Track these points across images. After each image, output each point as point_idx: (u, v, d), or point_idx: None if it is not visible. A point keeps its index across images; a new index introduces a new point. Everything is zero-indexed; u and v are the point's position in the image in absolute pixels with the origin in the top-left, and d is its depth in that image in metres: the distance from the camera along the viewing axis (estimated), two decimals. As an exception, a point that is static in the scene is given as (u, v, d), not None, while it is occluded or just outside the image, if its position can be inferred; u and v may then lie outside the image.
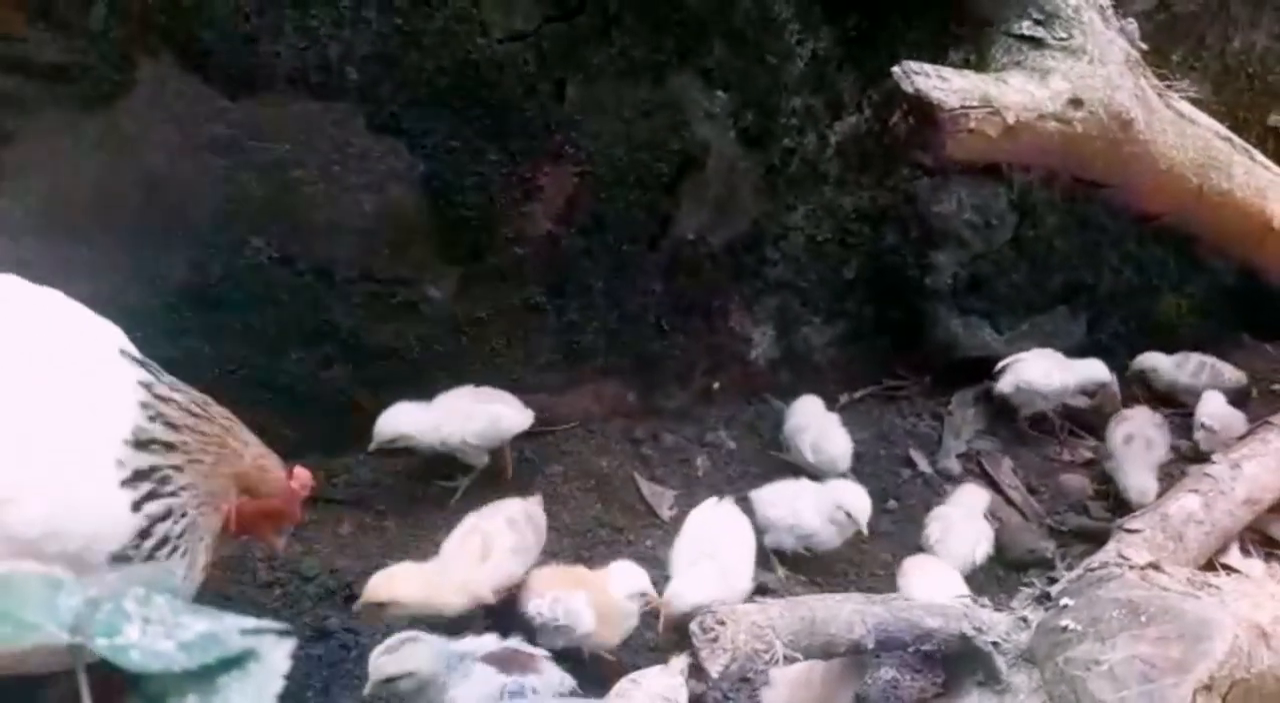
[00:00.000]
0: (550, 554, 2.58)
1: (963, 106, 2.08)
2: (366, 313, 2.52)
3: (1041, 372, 3.21)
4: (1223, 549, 2.79)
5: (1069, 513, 3.12)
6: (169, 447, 1.62)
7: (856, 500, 2.61)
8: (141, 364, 1.72)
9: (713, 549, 2.32)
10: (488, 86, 2.40)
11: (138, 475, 1.57)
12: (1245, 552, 2.92)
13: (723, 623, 1.66)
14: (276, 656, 0.68)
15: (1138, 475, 2.97)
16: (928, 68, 2.10)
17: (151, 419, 1.62)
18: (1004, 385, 3.20)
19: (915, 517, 2.94)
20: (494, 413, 2.56)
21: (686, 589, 2.19)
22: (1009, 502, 3.17)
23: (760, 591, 2.38)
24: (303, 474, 1.89)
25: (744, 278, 2.93)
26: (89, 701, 0.69)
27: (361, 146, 2.36)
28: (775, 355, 3.09)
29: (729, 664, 1.69)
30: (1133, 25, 2.47)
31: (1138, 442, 3.06)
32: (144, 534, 1.56)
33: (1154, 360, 3.40)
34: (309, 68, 2.25)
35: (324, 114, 2.30)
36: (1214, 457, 2.91)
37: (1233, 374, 3.40)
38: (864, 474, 3.00)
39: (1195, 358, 3.39)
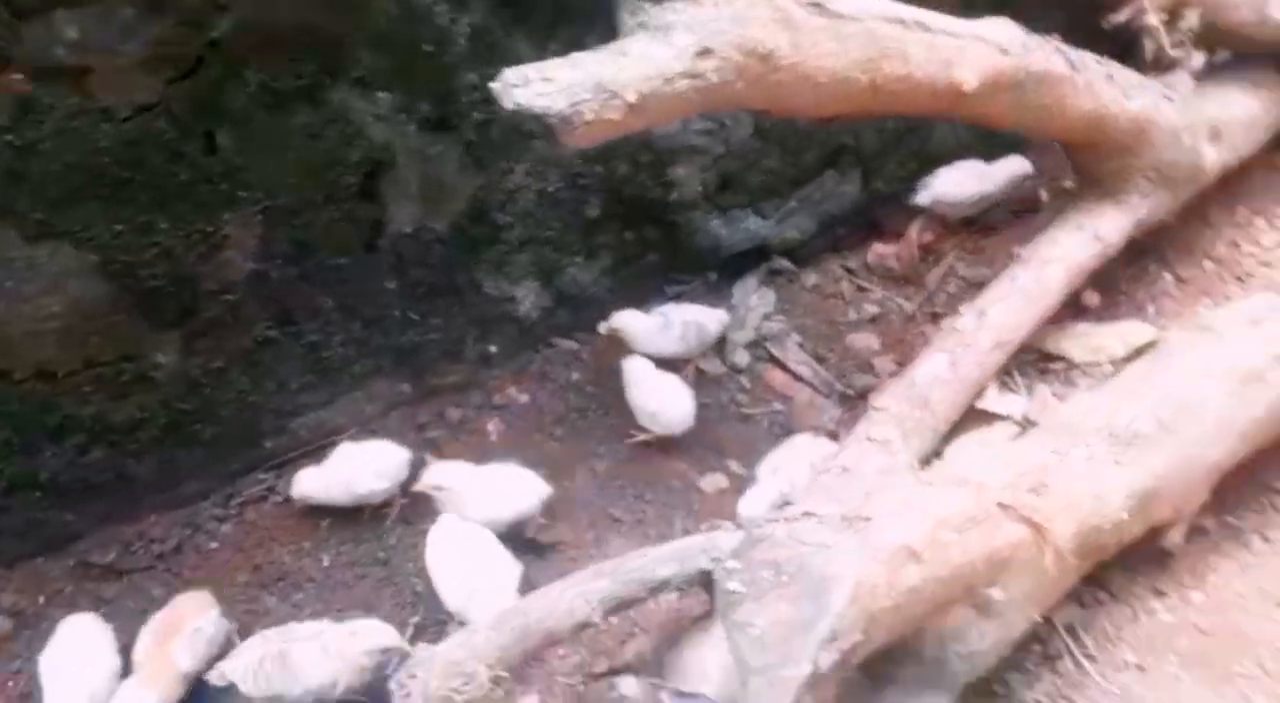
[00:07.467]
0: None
1: (572, 105, 1.93)
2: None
3: (954, 183, 3.48)
4: (979, 395, 2.95)
5: (856, 373, 3.27)
6: None
7: None
8: None
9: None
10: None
11: None
12: (1008, 388, 3.08)
13: (414, 676, 1.81)
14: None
15: None
16: (528, 71, 1.94)
17: None
18: (921, 199, 3.47)
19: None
20: None
21: None
22: (799, 379, 3.31)
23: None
24: None
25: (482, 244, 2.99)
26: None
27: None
28: (547, 303, 3.17)
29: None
30: (762, -56, 2.34)
31: None
32: None
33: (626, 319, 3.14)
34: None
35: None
36: (960, 308, 3.02)
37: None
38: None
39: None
